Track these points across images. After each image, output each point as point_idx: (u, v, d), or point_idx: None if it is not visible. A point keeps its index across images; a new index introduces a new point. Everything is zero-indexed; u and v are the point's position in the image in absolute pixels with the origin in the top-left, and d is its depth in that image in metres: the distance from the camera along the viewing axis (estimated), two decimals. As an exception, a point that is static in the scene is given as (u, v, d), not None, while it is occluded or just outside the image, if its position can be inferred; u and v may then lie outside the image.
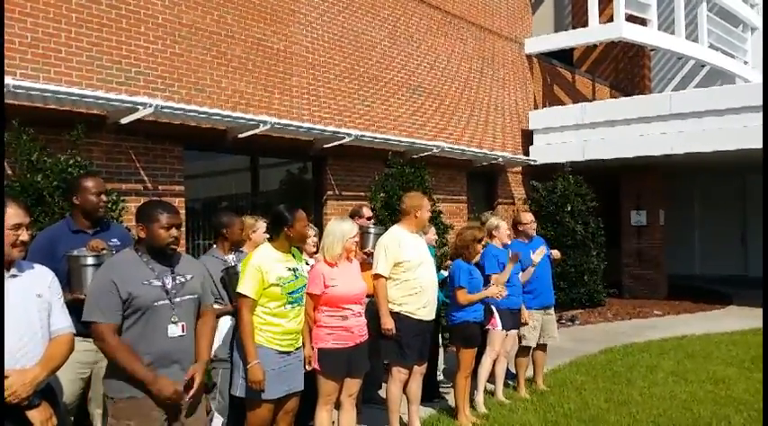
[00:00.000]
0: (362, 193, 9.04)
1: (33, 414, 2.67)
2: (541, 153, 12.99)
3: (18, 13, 5.93)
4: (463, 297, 5.32)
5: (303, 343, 4.05)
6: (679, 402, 5.99)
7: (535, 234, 6.56)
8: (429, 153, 9.91)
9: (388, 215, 8.07)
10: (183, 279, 3.19)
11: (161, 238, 3.14)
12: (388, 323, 4.79)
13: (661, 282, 13.84)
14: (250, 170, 8.29)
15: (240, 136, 7.54)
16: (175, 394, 3.01)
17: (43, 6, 6.10)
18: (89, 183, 3.99)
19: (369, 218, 6.11)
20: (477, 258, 5.72)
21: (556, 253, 6.68)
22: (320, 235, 5.06)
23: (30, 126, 5.46)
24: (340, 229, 4.38)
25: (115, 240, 3.99)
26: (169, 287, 3.11)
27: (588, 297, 11.87)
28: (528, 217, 6.50)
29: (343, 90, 9.29)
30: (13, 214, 2.74)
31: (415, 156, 9.59)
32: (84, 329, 3.41)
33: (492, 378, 6.09)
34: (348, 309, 4.30)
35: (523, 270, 6.14)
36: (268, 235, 4.23)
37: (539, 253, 6.10)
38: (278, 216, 3.92)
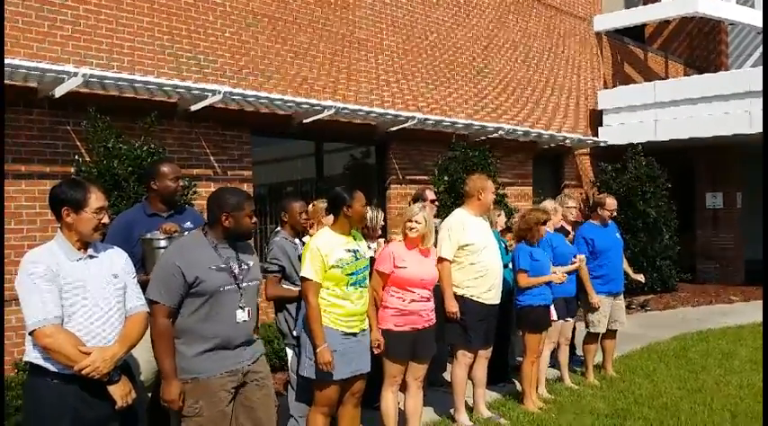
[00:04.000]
0: (426, 177, 9.01)
1: (114, 389, 2.78)
2: (611, 133, 12.62)
3: (93, 5, 6.15)
4: (524, 280, 5.26)
5: (370, 326, 4.07)
6: (756, 390, 5.75)
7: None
8: (493, 135, 9.78)
9: (452, 199, 8.01)
10: (247, 266, 3.23)
11: (248, 226, 3.23)
12: (452, 307, 4.78)
13: (738, 267, 13.27)
14: (315, 155, 8.38)
15: (305, 121, 7.62)
16: (173, 402, 3.04)
17: (117, -2, 6.31)
18: (167, 169, 4.10)
19: (432, 201, 6.07)
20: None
21: (640, 277, 6.69)
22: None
23: (105, 114, 5.68)
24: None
25: (189, 223, 4.08)
26: (236, 272, 3.16)
27: (660, 282, 11.51)
28: (613, 204, 6.31)
29: (407, 73, 9.25)
30: (96, 198, 2.84)
31: (478, 139, 9.48)
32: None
33: (558, 365, 6.05)
34: (414, 292, 4.29)
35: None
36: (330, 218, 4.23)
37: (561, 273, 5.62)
38: (336, 197, 3.93)
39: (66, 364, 2.69)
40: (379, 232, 5.37)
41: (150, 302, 3.05)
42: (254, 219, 3.27)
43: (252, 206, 3.25)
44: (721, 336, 8.08)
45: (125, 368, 2.95)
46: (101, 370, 2.71)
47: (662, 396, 5.63)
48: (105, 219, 2.87)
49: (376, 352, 4.11)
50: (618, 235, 6.40)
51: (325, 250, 3.81)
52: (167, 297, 3.04)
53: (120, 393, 2.79)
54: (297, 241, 4.58)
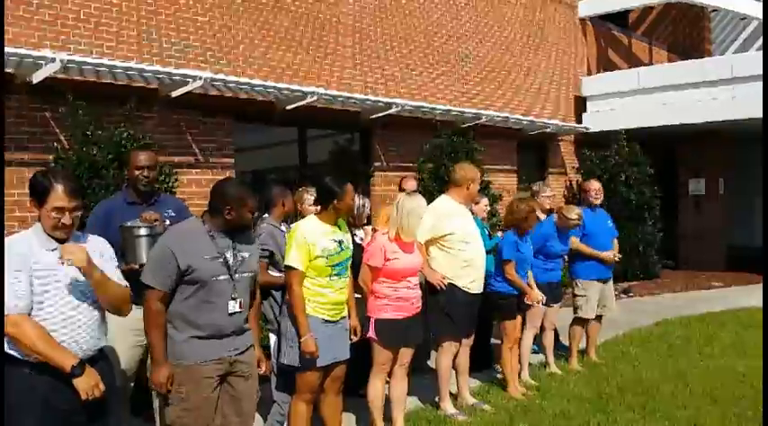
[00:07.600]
0: (410, 164, 8.98)
1: (77, 382, 2.69)
2: (595, 120, 12.64)
3: (70, -12, 6.03)
4: (510, 271, 5.23)
5: (349, 313, 4.06)
6: (737, 375, 5.82)
7: (598, 205, 6.40)
8: (477, 122, 9.76)
9: (436, 186, 7.99)
10: (243, 257, 3.23)
11: (247, 221, 3.25)
12: (435, 275, 4.79)
13: (719, 253, 13.40)
14: (298, 141, 8.31)
15: (288, 107, 7.55)
16: (161, 385, 3.04)
17: (94, -19, 6.19)
18: (134, 157, 4.07)
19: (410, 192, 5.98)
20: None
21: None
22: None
23: (84, 100, 5.58)
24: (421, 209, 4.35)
25: (170, 211, 4.05)
26: (231, 262, 3.16)
27: (643, 268, 11.59)
28: (592, 186, 6.34)
29: (391, 59, 9.19)
30: (58, 197, 2.71)
31: (463, 126, 9.46)
32: (137, 297, 3.48)
33: (543, 351, 6.09)
34: (407, 281, 4.30)
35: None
36: (318, 207, 4.20)
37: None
38: (326, 189, 3.89)
39: (30, 354, 2.62)
40: (365, 220, 5.35)
41: (144, 286, 3.06)
42: (255, 213, 3.29)
43: (255, 202, 3.25)
44: (702, 321, 8.16)
45: (103, 358, 2.89)
46: (79, 257, 2.63)
47: (644, 381, 5.68)
48: (66, 220, 2.72)
49: (353, 339, 4.11)
50: (610, 223, 6.41)
51: (312, 239, 3.78)
52: (161, 281, 3.05)
53: (84, 386, 2.69)
54: (283, 227, 4.56)
